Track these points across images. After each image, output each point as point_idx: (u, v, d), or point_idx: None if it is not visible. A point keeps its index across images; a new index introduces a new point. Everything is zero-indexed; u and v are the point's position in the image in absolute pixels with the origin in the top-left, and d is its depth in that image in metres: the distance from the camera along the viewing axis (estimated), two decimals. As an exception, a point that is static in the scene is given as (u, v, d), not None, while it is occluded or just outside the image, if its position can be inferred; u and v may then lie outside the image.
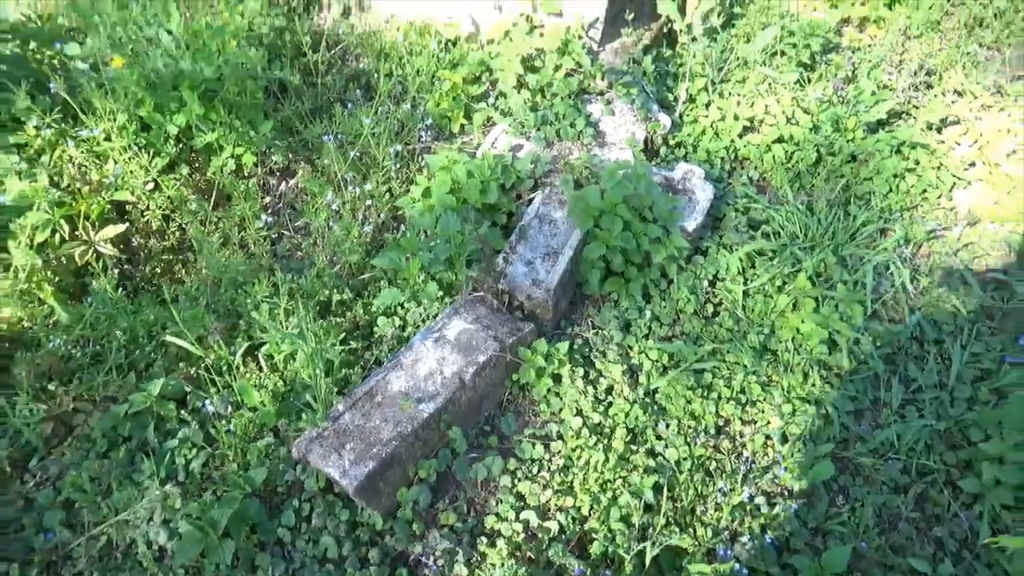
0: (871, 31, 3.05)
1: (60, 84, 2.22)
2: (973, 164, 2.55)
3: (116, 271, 2.22)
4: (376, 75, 2.65)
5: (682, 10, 2.80)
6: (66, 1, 2.61)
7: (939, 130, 2.63)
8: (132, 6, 2.46)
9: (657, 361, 2.04)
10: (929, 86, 2.81)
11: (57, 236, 2.17)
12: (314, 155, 2.52)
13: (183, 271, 2.30)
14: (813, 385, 1.98)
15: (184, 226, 2.36)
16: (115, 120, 2.29)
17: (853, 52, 2.91)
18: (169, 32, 2.40)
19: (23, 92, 2.21)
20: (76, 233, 2.21)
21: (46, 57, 2.40)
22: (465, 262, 2.05)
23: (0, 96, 2.25)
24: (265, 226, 2.38)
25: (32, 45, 2.44)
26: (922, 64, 2.84)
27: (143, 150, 2.32)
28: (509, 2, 2.64)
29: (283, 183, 2.56)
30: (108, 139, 2.29)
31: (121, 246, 2.31)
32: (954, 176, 2.47)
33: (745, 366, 2.00)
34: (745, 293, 2.18)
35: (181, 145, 2.42)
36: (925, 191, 2.45)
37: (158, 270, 2.31)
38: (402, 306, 2.09)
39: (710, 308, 2.19)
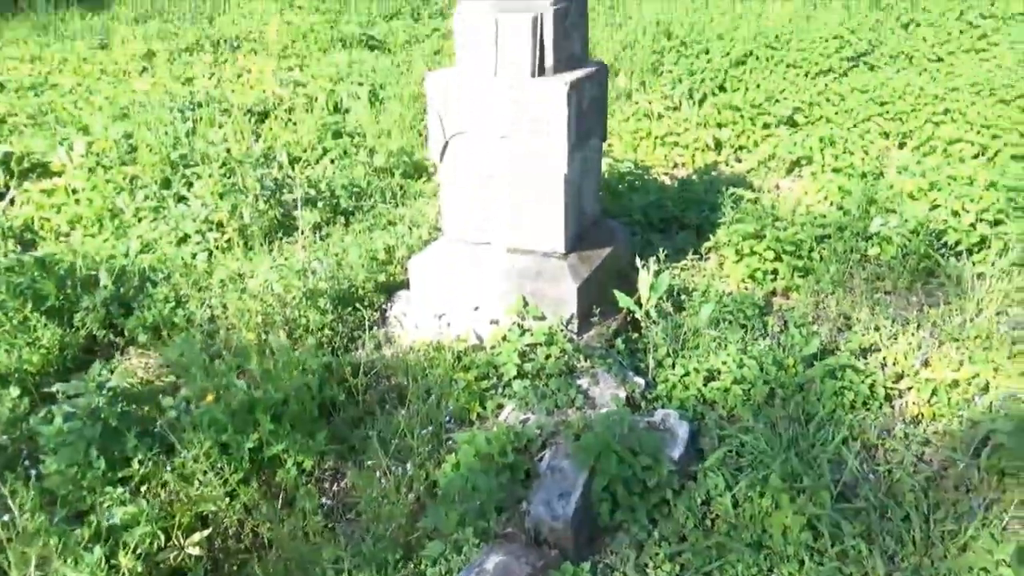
0: (793, 296, 3.80)
1: (163, 420, 2.84)
2: (901, 376, 3.09)
3: (202, 571, 2.61)
4: (406, 385, 3.30)
5: (639, 302, 3.56)
6: (163, 364, 3.36)
7: (864, 356, 3.21)
8: (218, 362, 3.19)
9: (670, 573, 2.35)
10: (849, 327, 3.47)
11: (155, 545, 2.61)
12: (361, 455, 3.05)
13: (257, 565, 2.68)
14: (807, 569, 2.28)
15: (256, 528, 2.80)
16: (202, 446, 2.86)
17: (783, 312, 3.62)
18: (243, 370, 3.10)
19: (132, 436, 2.83)
20: (170, 543, 2.65)
21: (151, 409, 3.07)
22: (495, 510, 2.47)
23: (115, 442, 2.86)
24: (323, 516, 2.82)
25: (137, 404, 3.13)
26: (839, 312, 3.53)
27: (224, 467, 2.86)
28: (504, 317, 3.39)
29: (336, 483, 3.05)
30: (196, 461, 2.84)
31: (206, 548, 2.73)
32: (885, 388, 2.99)
33: (747, 562, 2.32)
34: (734, 503, 2.56)
35: (254, 459, 2.97)
36: (865, 403, 2.95)
37: (235, 568, 2.70)
38: (445, 557, 2.46)
39: (708, 522, 2.55)
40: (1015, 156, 4.46)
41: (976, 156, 4.67)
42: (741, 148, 5.38)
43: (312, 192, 4.72)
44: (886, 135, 5.16)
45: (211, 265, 4.15)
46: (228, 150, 5.24)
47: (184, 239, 4.39)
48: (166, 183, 5.01)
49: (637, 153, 5.34)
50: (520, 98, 3.07)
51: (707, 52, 6.38)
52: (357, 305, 3.71)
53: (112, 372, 3.33)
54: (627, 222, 4.37)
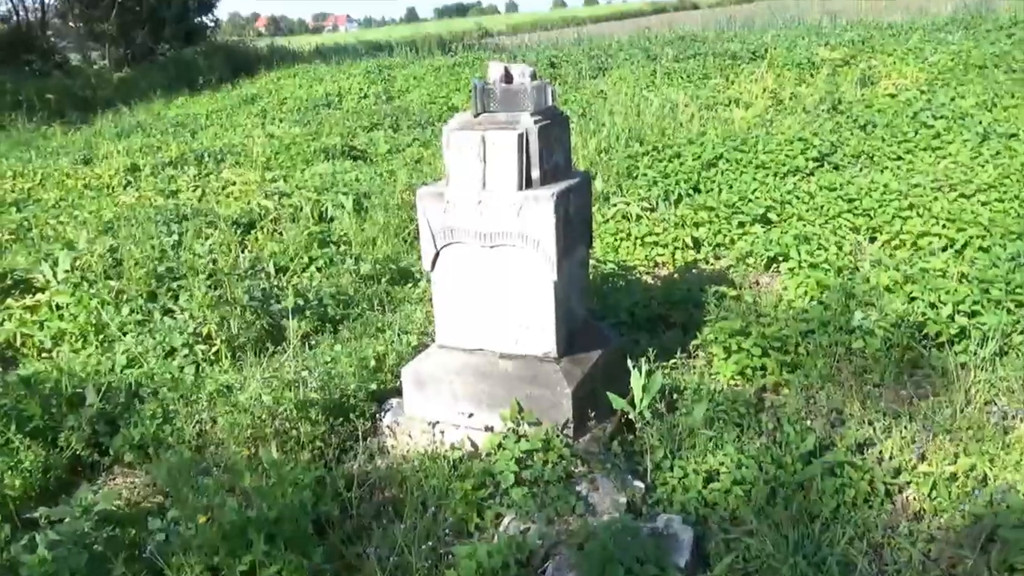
0: (784, 392, 3.83)
1: (151, 544, 2.74)
2: (899, 471, 3.10)
3: None
4: (401, 497, 3.23)
5: (632, 403, 3.56)
6: (150, 483, 3.27)
7: (860, 451, 3.23)
8: (207, 479, 3.11)
9: None
10: (842, 421, 3.50)
11: None
12: (358, 574, 2.95)
13: None
14: None
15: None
16: (192, 570, 2.75)
17: (775, 408, 3.64)
18: (234, 492, 3.02)
19: (119, 563, 2.72)
20: None
21: (138, 532, 2.96)
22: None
23: (101, 570, 2.74)
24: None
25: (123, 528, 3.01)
26: (830, 407, 3.56)
27: (215, 593, 2.74)
28: (498, 423, 3.38)
29: (331, 605, 2.93)
30: (187, 588, 2.73)
31: None
32: (884, 483, 2.99)
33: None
34: (745, 612, 2.50)
35: (246, 583, 2.85)
36: (867, 499, 2.94)
37: None
38: None
39: (720, 632, 2.48)
40: (982, 248, 4.64)
41: (944, 248, 4.85)
42: (719, 246, 5.54)
43: (300, 301, 4.74)
44: (856, 230, 5.36)
45: (199, 378, 4.10)
46: (215, 262, 5.28)
47: (171, 352, 4.36)
48: (152, 296, 5.01)
49: (619, 253, 5.47)
50: (508, 210, 3.17)
51: (679, 156, 6.66)
52: (349, 415, 3.68)
53: (97, 494, 3.24)
54: (614, 322, 4.43)
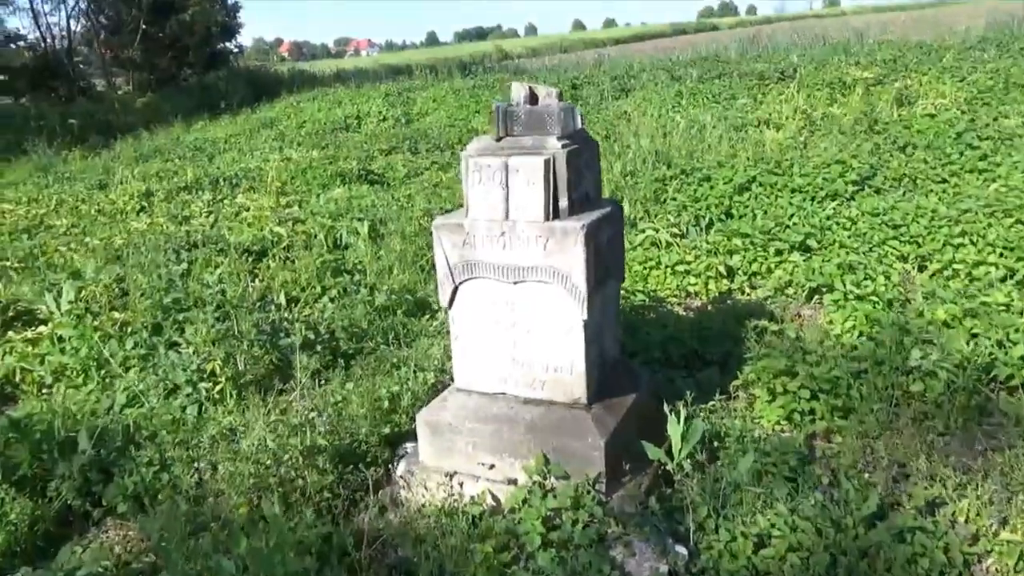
0: (836, 439, 3.48)
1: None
2: (977, 537, 2.73)
3: None
4: (415, 560, 2.92)
5: (669, 453, 3.23)
6: (144, 538, 2.99)
7: (930, 512, 2.87)
8: (203, 538, 2.83)
9: None
10: (906, 476, 3.14)
11: None
12: (364, 649, 2.64)
13: None
14: None
15: None
16: (181, 648, 2.46)
17: (828, 459, 3.29)
18: (230, 557, 2.73)
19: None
20: None
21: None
22: None
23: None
24: None
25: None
26: (891, 459, 3.21)
27: (205, 674, 2.45)
28: (521, 475, 3.06)
29: None
30: (174, 669, 2.43)
31: None
32: (962, 552, 2.63)
33: None
34: None
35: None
36: (943, 572, 2.59)
37: None
38: None
39: None
40: (1046, 279, 4.28)
41: (1003, 279, 4.49)
42: (754, 275, 5.21)
43: (311, 335, 4.47)
44: (903, 259, 5.01)
45: (201, 420, 3.84)
46: (224, 292, 5.03)
47: (173, 391, 4.10)
48: (157, 329, 4.77)
49: (648, 283, 5.16)
50: (534, 243, 2.88)
51: (708, 180, 6.36)
52: (360, 463, 3.39)
53: (84, 552, 2.96)
54: (646, 359, 4.12)
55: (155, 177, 9.90)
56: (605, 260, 3.06)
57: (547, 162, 2.84)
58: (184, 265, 5.60)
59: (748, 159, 6.74)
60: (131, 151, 13.14)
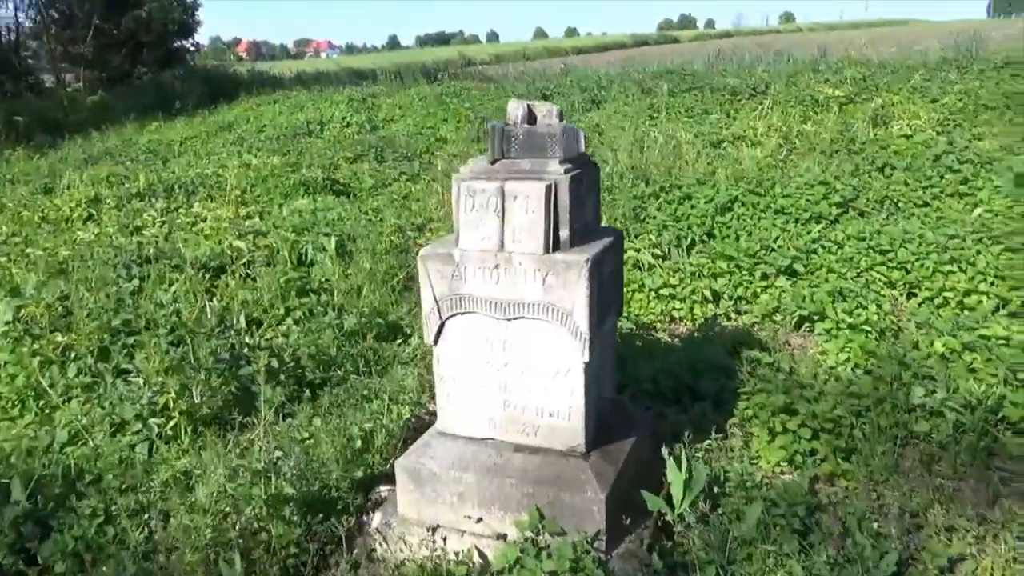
0: (840, 483, 3.29)
1: None
2: (1001, 598, 2.56)
3: None
4: (396, 629, 2.63)
5: (669, 501, 3.00)
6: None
7: (951, 570, 2.69)
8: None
9: None
10: (919, 527, 2.96)
11: None
12: None
13: None
14: None
15: None
16: None
17: (836, 506, 3.10)
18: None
19: None
20: None
21: None
22: None
23: None
24: None
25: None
26: (902, 508, 3.02)
27: None
28: (512, 530, 2.79)
29: None
30: None
31: None
32: (992, 618, 2.45)
33: None
34: None
35: None
36: (972, 641, 2.40)
37: None
38: None
39: None
40: (1042, 311, 4.18)
41: (995, 310, 4.38)
42: (740, 299, 5.04)
43: (274, 363, 4.14)
44: (891, 284, 4.89)
45: (152, 462, 3.48)
46: (178, 313, 4.66)
47: (121, 427, 3.73)
48: (104, 354, 4.39)
49: (632, 307, 4.94)
50: (532, 277, 2.62)
51: (689, 198, 6.18)
52: (330, 512, 3.09)
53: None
54: (636, 392, 3.89)
55: (105, 182, 9.38)
56: (607, 294, 2.82)
57: (548, 188, 2.58)
58: (135, 282, 5.20)
59: (728, 177, 6.59)
60: (79, 152, 12.52)
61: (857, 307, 4.44)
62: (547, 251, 2.61)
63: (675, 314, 4.92)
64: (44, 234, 6.91)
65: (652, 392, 3.91)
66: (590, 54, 45.65)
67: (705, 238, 5.75)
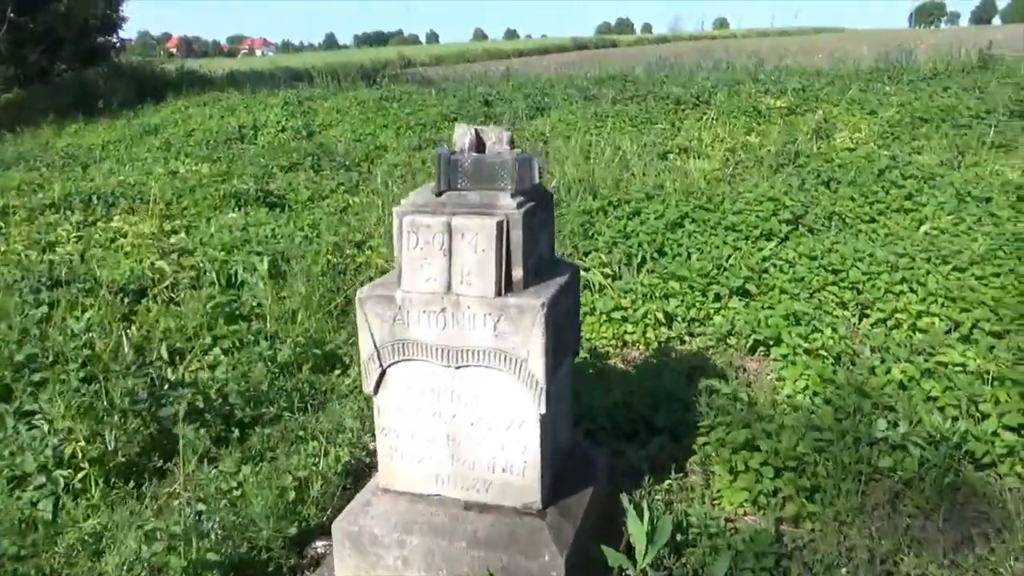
0: (805, 526, 3.15)
1: None
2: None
3: None
4: None
5: (630, 554, 2.80)
6: None
7: (928, 626, 2.55)
8: None
9: None
10: (889, 574, 2.83)
11: None
12: None
13: None
14: None
15: None
16: None
17: (803, 552, 2.95)
18: None
19: None
20: None
21: None
22: None
23: None
24: None
25: None
26: (871, 552, 2.89)
27: None
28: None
29: None
30: None
31: None
32: None
33: None
34: None
35: None
36: None
37: None
38: None
39: None
40: (993, 334, 4.14)
41: (948, 332, 4.34)
42: (694, 321, 4.89)
43: (199, 401, 3.79)
44: (844, 305, 4.82)
45: (57, 523, 3.10)
46: (91, 344, 4.25)
47: (22, 480, 3.33)
48: (6, 393, 3.96)
49: (583, 331, 4.74)
50: (482, 322, 2.38)
51: (638, 213, 6.03)
52: (260, 577, 2.79)
53: None
54: (591, 427, 3.68)
55: (15, 191, 8.72)
56: (563, 336, 2.60)
57: (500, 225, 2.34)
58: (43, 308, 4.75)
59: (677, 191, 6.48)
60: (-10, 157, 11.69)
61: (812, 331, 4.33)
62: (498, 294, 2.37)
63: (628, 338, 4.75)
64: (-58, 252, 6.32)
65: (608, 427, 3.71)
66: (531, 56, 45.69)
67: (656, 255, 5.61)
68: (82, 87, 20.12)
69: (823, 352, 4.18)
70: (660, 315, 4.82)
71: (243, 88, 17.92)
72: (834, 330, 4.38)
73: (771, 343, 4.40)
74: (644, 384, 3.99)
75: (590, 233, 5.93)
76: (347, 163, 9.26)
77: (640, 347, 4.74)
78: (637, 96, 11.86)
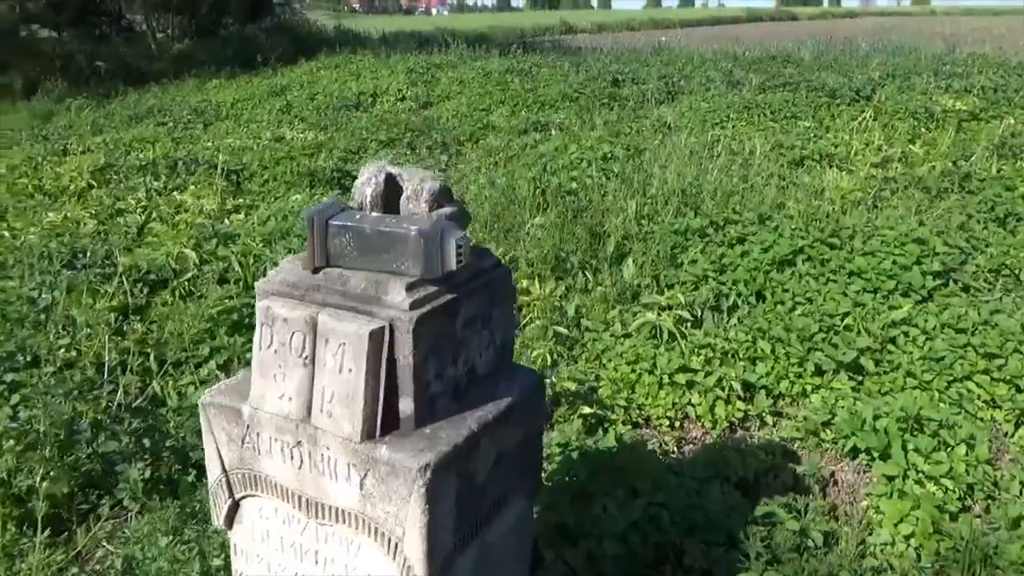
0: None
1: None
2: None
3: None
4: None
5: None
6: None
7: None
8: None
9: None
10: None
11: None
12: None
13: None
14: None
15: None
16: None
17: None
18: None
19: None
20: None
21: None
22: None
23: None
24: None
25: None
26: None
27: None
28: None
29: None
30: None
31: None
32: None
33: None
34: None
35: None
36: None
37: None
38: None
39: None
40: None
41: None
42: (781, 397, 3.83)
43: (155, 434, 3.26)
44: (994, 404, 3.57)
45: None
46: (78, 346, 3.87)
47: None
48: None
49: (635, 393, 3.81)
50: (346, 475, 1.58)
51: (742, 242, 4.92)
52: None
53: None
54: (595, 553, 2.80)
55: (127, 147, 8.80)
56: (487, 492, 1.75)
57: (376, 335, 1.52)
58: (56, 293, 4.43)
59: (799, 215, 5.28)
60: (128, 108, 12.08)
61: (939, 447, 3.17)
62: (368, 436, 1.56)
63: (690, 410, 3.76)
64: (16, 213, 6.30)
65: (622, 555, 2.81)
66: (697, 28, 43.18)
67: (752, 300, 4.52)
68: (245, 42, 20.82)
69: (948, 482, 3.02)
70: (738, 385, 3.79)
71: (394, 48, 17.77)
72: (971, 448, 3.19)
73: (876, 454, 3.28)
74: (681, 494, 3.03)
75: (679, 261, 4.91)
76: (446, 141, 8.61)
77: (704, 423, 3.74)
78: (789, 84, 10.33)
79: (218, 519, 1.85)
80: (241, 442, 1.73)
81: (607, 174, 6.35)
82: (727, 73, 11.54)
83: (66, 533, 2.98)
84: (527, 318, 4.46)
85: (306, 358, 1.60)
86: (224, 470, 1.79)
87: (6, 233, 5.71)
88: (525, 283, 4.69)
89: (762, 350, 3.96)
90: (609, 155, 6.86)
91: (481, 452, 1.66)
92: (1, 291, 4.39)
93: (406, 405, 1.58)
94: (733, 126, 8.07)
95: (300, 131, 9.68)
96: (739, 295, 4.53)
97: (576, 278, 4.88)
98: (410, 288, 1.57)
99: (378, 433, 1.57)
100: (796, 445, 3.57)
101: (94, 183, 7.31)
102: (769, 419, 3.76)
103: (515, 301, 1.93)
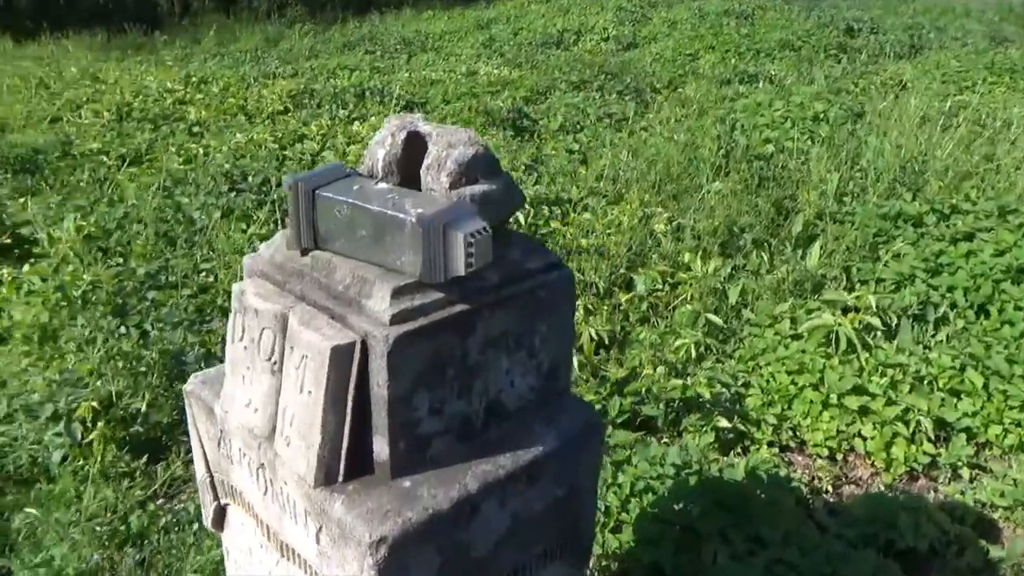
0: None
1: None
2: None
3: None
4: None
5: None
6: None
7: None
8: None
9: None
10: None
11: None
12: None
13: None
14: None
15: None
16: None
17: None
18: None
19: None
20: None
21: None
22: None
23: None
24: None
25: None
26: None
27: None
28: None
29: None
30: None
31: None
32: None
33: None
34: None
35: None
36: None
37: None
38: None
39: None
40: None
41: None
42: (988, 447, 3.00)
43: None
44: None
45: (56, 482, 2.75)
46: (215, 276, 3.90)
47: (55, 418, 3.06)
48: (119, 311, 3.76)
49: (790, 410, 3.16)
50: (304, 521, 1.23)
51: (970, 239, 3.93)
52: None
53: None
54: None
55: (330, 73, 9.07)
56: (510, 558, 1.33)
57: (340, 353, 1.13)
58: (216, 215, 4.53)
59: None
60: (344, 36, 12.51)
61: None
62: (324, 482, 1.19)
63: (859, 443, 3.05)
64: (215, 131, 6.64)
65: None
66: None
67: (971, 315, 3.59)
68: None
69: None
70: (928, 423, 3.00)
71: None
72: None
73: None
74: (820, 556, 2.40)
75: (880, 253, 4.04)
76: (640, 87, 7.92)
77: (876, 463, 3.02)
78: (1079, 42, 8.36)
79: (206, 520, 1.60)
80: (218, 445, 1.44)
81: (812, 138, 5.42)
82: (992, 26, 9.57)
83: (164, 462, 2.97)
84: (679, 299, 3.88)
85: (274, 364, 1.25)
86: (209, 470, 1.52)
87: (200, 151, 6.00)
88: (687, 257, 4.09)
89: (971, 382, 3.11)
90: (821, 116, 5.87)
91: (482, 519, 1.24)
92: (170, 208, 4.55)
93: (380, 447, 1.19)
94: (988, 91, 6.61)
95: (495, 66, 9.42)
96: (953, 306, 3.62)
97: (748, 258, 4.18)
98: (398, 294, 1.15)
99: (340, 477, 1.19)
100: (998, 514, 2.76)
101: (290, 107, 7.55)
102: (965, 472, 2.94)
103: (574, 311, 1.44)
